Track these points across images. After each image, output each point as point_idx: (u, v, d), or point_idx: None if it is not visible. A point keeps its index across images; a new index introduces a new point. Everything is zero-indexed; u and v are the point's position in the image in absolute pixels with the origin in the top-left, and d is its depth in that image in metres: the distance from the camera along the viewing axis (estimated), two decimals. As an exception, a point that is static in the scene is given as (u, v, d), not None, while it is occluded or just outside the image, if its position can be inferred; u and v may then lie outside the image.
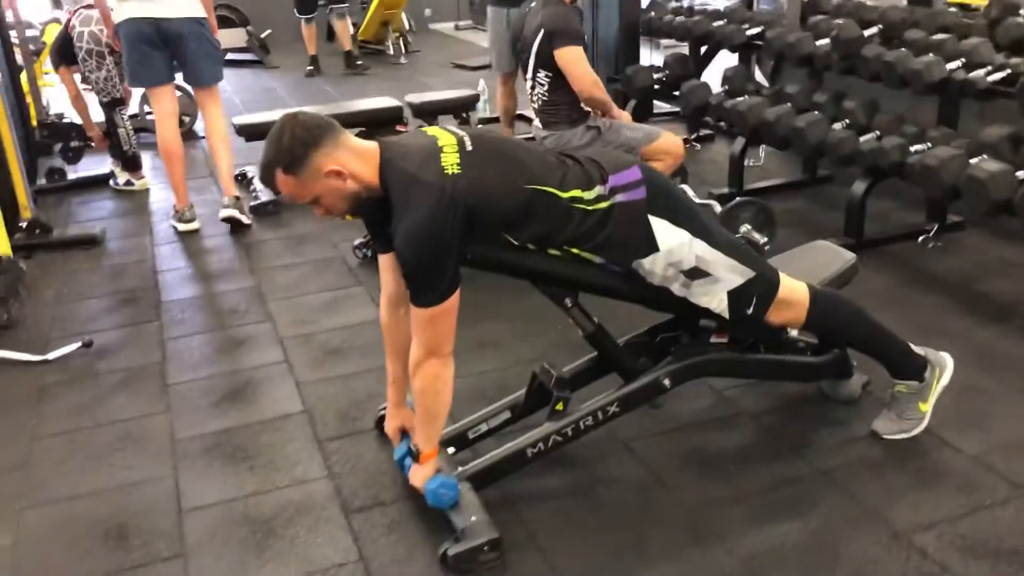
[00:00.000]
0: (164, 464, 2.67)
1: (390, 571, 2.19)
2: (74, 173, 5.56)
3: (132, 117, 5.57)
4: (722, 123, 4.72)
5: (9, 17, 5.56)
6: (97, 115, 5.44)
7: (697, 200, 4.24)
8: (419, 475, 2.30)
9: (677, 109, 5.34)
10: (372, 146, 2.17)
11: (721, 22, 5.25)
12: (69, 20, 5.13)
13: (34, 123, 5.66)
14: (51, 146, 5.59)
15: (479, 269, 2.28)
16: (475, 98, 5.32)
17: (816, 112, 4.16)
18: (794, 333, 2.60)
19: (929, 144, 3.69)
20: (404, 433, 2.52)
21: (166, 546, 2.32)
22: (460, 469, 2.36)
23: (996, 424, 2.64)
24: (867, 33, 4.23)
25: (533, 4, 3.97)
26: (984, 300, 3.44)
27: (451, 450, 2.50)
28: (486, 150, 2.18)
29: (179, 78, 4.64)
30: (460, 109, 5.27)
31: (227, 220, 4.53)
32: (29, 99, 5.69)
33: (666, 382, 2.46)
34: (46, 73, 6.59)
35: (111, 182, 5.38)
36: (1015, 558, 2.12)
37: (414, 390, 2.26)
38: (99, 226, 4.67)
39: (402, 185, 2.10)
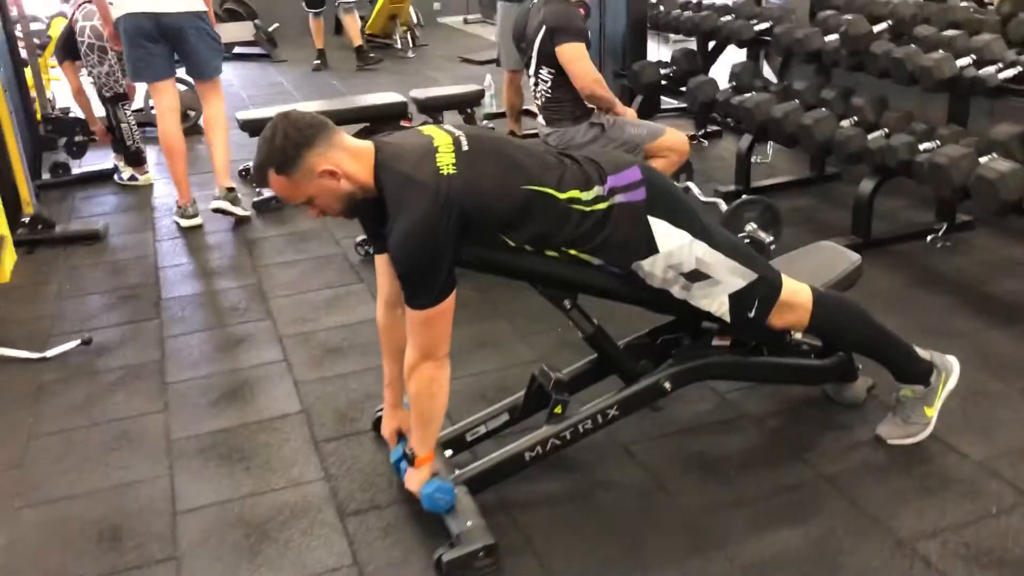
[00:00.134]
0: (160, 464, 2.64)
1: (384, 576, 2.17)
2: (78, 168, 5.56)
3: (137, 111, 5.56)
4: (729, 120, 4.66)
5: (14, 11, 5.54)
6: (99, 110, 5.42)
7: (703, 198, 4.25)
8: (415, 479, 2.28)
9: (684, 105, 5.28)
10: (366, 145, 2.14)
11: (729, 17, 5.19)
12: (73, 14, 5.11)
13: (39, 118, 5.64)
14: (55, 141, 5.58)
15: (475, 270, 2.25)
16: (480, 94, 5.28)
17: (824, 109, 4.11)
18: (798, 335, 2.56)
19: (938, 142, 3.63)
20: (401, 435, 2.49)
21: (159, 548, 2.30)
22: (457, 472, 2.33)
23: (1003, 429, 2.59)
24: (876, 29, 4.16)
25: (536, 0, 3.92)
26: (993, 301, 3.39)
27: (449, 452, 2.47)
28: (482, 150, 2.14)
29: (180, 72, 4.62)
30: (465, 105, 5.23)
31: (217, 211, 4.54)
32: (34, 93, 5.68)
33: (667, 385, 2.42)
34: (52, 67, 6.58)
35: (115, 177, 5.37)
36: (1021, 568, 2.08)
37: (409, 393, 2.23)
38: (102, 221, 4.66)
39: (396, 185, 2.07)
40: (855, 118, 4.03)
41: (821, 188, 4.72)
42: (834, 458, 2.50)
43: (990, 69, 3.62)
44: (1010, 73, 3.58)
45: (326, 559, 2.22)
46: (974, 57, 3.71)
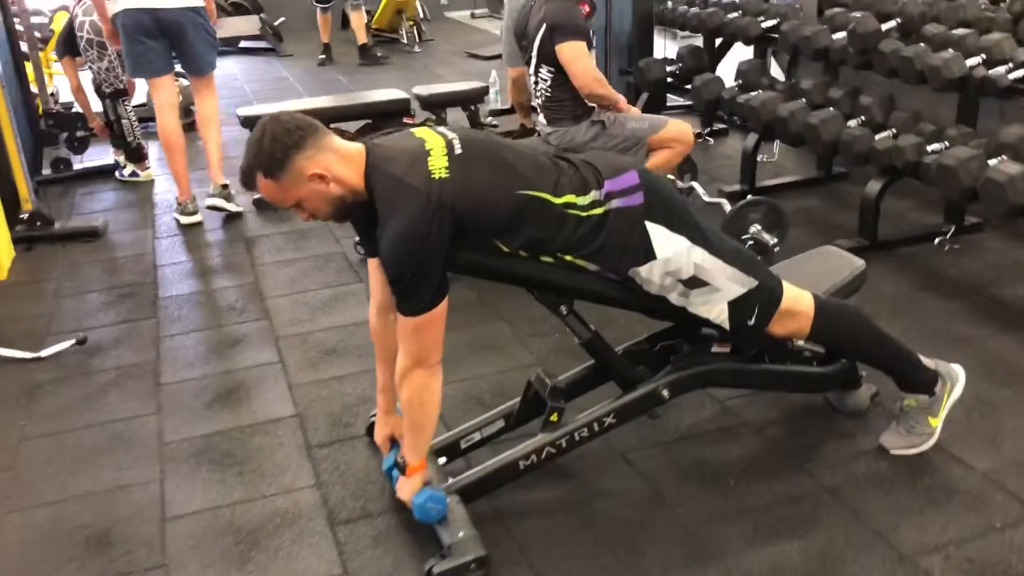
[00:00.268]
0: (151, 468, 2.61)
1: (374, 587, 2.13)
2: (80, 163, 5.53)
3: (139, 106, 5.52)
4: (735, 118, 4.61)
5: (15, 5, 5.51)
6: (96, 105, 5.38)
7: (706, 198, 4.19)
8: (407, 488, 2.23)
9: (690, 103, 5.22)
10: (357, 148, 2.09)
11: (736, 14, 5.13)
12: (73, 9, 5.08)
13: (40, 112, 5.61)
14: (56, 136, 5.55)
15: (469, 276, 2.20)
16: (484, 90, 5.22)
17: (831, 108, 4.04)
18: (800, 342, 2.50)
19: (947, 143, 3.56)
20: (394, 442, 2.45)
21: (148, 555, 2.26)
22: (450, 481, 2.29)
23: (1010, 439, 2.53)
24: (885, 27, 4.09)
25: None
26: (1001, 306, 3.33)
27: (442, 460, 2.43)
28: (476, 153, 2.09)
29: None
30: (469, 101, 5.18)
31: (211, 208, 4.55)
32: (36, 87, 5.65)
33: (664, 393, 2.37)
34: (54, 61, 6.55)
35: (117, 173, 5.33)
36: (1025, 585, 2.03)
37: (401, 401, 2.19)
38: (102, 218, 4.63)
39: (387, 189, 2.02)
40: (862, 118, 3.97)
41: (828, 188, 4.65)
42: (836, 468, 2.44)
43: (1000, 69, 3.55)
44: (1021, 73, 3.51)
45: (316, 568, 2.19)
46: (984, 57, 3.64)
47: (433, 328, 2.08)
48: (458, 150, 2.07)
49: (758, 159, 4.61)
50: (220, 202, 4.54)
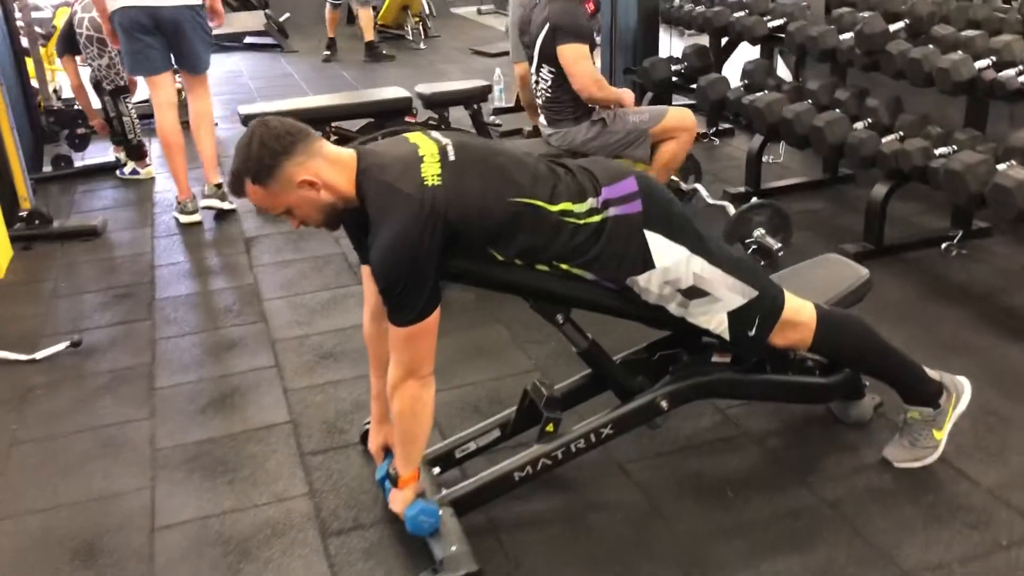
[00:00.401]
0: (142, 475, 2.57)
1: (364, 601, 2.09)
2: (81, 161, 5.50)
3: (142, 103, 5.48)
4: (741, 119, 4.54)
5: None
6: (95, 102, 5.35)
7: (710, 200, 4.13)
8: (399, 500, 2.19)
9: (695, 102, 5.16)
10: (349, 154, 2.05)
11: (742, 13, 5.06)
12: (72, 6, 5.04)
13: (42, 108, 5.57)
14: (57, 133, 5.52)
15: (463, 284, 2.15)
16: (487, 89, 5.15)
17: (837, 110, 3.98)
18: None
19: (954, 147, 3.50)
20: (387, 451, 2.41)
21: (135, 566, 2.23)
22: (444, 492, 2.25)
23: (1017, 454, 2.48)
24: (893, 28, 4.02)
25: None
26: (1010, 313, 3.26)
27: (436, 470, 2.39)
28: (470, 160, 2.05)
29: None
30: (472, 100, 5.11)
31: (207, 208, 4.55)
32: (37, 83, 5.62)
33: (663, 404, 2.32)
34: (58, 58, 6.52)
35: (117, 171, 5.30)
36: (1030, 606, 1.98)
37: (393, 412, 2.14)
38: (101, 216, 4.60)
39: (379, 196, 1.98)
40: (869, 120, 3.91)
41: (834, 190, 4.59)
42: (838, 481, 2.39)
43: (1010, 72, 3.48)
44: (1031, 76, 3.45)
45: (305, 581, 2.15)
46: (994, 59, 3.57)
47: (425, 338, 2.03)
48: (452, 156, 2.03)
49: (764, 160, 4.55)
50: (215, 202, 4.53)
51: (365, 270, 2.27)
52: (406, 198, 1.94)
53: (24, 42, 5.45)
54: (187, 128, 4.50)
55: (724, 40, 5.44)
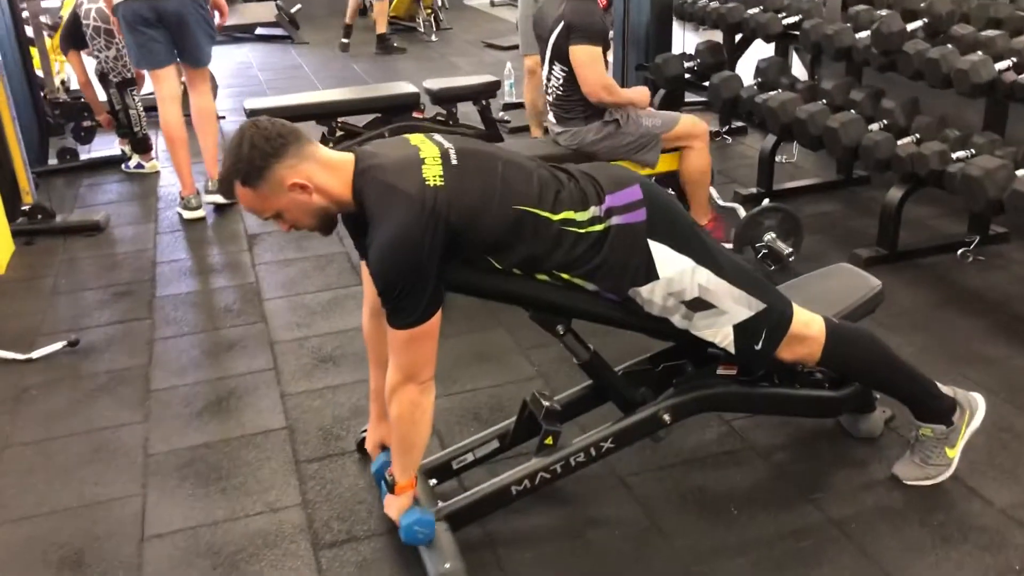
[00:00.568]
0: (134, 482, 2.53)
1: (355, 618, 2.04)
2: (87, 154, 5.46)
3: (149, 95, 5.43)
4: (753, 117, 4.45)
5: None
6: (102, 98, 5.31)
7: (720, 202, 4.05)
8: (394, 506, 2.14)
9: (708, 100, 5.07)
10: (345, 158, 1.98)
11: (756, 9, 4.96)
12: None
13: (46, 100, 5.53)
14: (63, 126, 5.48)
15: (459, 294, 2.09)
16: (496, 84, 5.08)
17: (852, 111, 3.89)
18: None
19: (972, 151, 3.41)
20: (384, 447, 2.37)
21: (123, 576, 2.18)
22: (440, 506, 2.19)
23: (1032, 472, 2.40)
24: (911, 27, 3.92)
25: None
26: (1026, 323, 3.18)
27: (433, 481, 2.33)
28: (472, 165, 1.98)
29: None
30: (480, 96, 5.04)
31: (210, 203, 4.54)
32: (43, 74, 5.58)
33: (666, 417, 2.25)
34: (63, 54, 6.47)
35: (123, 165, 5.26)
36: (1044, 635, 1.91)
37: (391, 417, 2.08)
38: (104, 211, 4.56)
39: (378, 196, 1.91)
40: (884, 122, 3.81)
41: (848, 192, 4.49)
42: (845, 499, 2.32)
43: (1031, 73, 3.39)
44: (1053, 78, 3.35)
45: (295, 596, 2.10)
46: (1015, 60, 3.47)
47: (426, 342, 1.97)
48: (454, 160, 1.96)
49: (777, 160, 4.47)
50: (218, 197, 4.51)
51: (364, 266, 2.20)
52: (406, 197, 1.87)
53: (29, 32, 5.40)
54: (190, 123, 4.45)
55: (738, 37, 5.35)
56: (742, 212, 3.81)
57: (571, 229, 2.01)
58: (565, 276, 2.04)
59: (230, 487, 2.48)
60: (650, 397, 2.31)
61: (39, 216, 4.35)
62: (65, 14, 5.24)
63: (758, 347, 2.13)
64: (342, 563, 2.18)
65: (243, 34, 9.41)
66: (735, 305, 2.09)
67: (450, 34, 9.59)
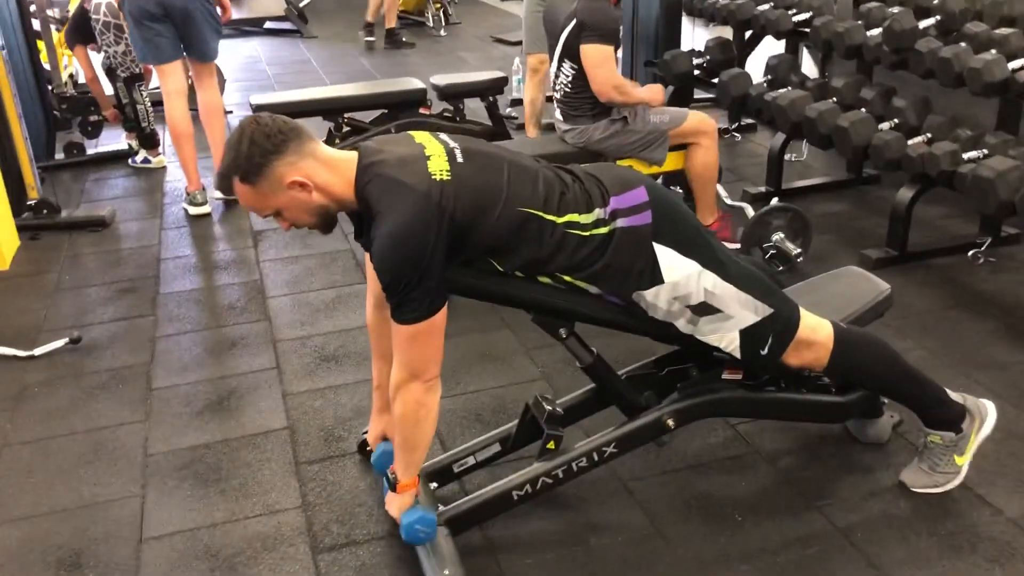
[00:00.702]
0: (133, 482, 2.51)
1: (352, 624, 2.02)
2: (94, 148, 5.45)
3: (156, 89, 5.41)
4: (763, 115, 4.41)
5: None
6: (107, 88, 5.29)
7: (728, 201, 4.01)
8: (396, 505, 2.12)
9: (717, 96, 5.02)
10: (347, 156, 1.95)
11: (767, 6, 4.91)
12: (85, -7, 4.97)
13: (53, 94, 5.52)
14: (70, 120, 5.46)
15: (459, 296, 2.06)
16: (503, 80, 5.04)
17: (862, 110, 3.84)
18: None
19: (984, 152, 3.36)
20: (386, 438, 2.37)
21: (120, 579, 2.17)
22: (440, 509, 2.16)
23: (1042, 480, 2.36)
24: (923, 24, 3.87)
25: None
26: (1038, 327, 3.14)
27: (434, 485, 2.30)
28: (477, 165, 1.95)
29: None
30: (488, 92, 5.00)
31: (216, 199, 4.54)
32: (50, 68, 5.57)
33: (670, 422, 2.22)
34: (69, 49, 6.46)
35: (129, 160, 5.24)
36: (1053, 649, 1.87)
37: (394, 415, 2.05)
38: (110, 206, 4.55)
39: (382, 191, 1.87)
40: (895, 121, 3.77)
41: (858, 192, 4.45)
42: (852, 507, 2.28)
43: (1046, 73, 3.34)
44: (1067, 78, 3.30)
45: (293, 600, 2.08)
46: (1028, 59, 3.43)
47: (431, 338, 1.94)
48: (459, 159, 1.94)
49: (786, 158, 4.42)
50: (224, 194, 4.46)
51: (369, 257, 2.17)
52: (411, 190, 1.84)
53: (36, 25, 5.39)
54: (197, 118, 4.43)
55: (748, 33, 5.29)
56: (750, 211, 3.77)
57: (575, 232, 1.98)
58: (568, 279, 2.01)
59: (229, 488, 2.46)
60: (654, 401, 2.28)
61: (44, 211, 4.34)
62: (72, 8, 5.23)
63: (764, 352, 2.10)
64: (341, 567, 2.16)
65: (252, 28, 9.38)
66: (741, 310, 2.05)
67: (459, 29, 9.55)
